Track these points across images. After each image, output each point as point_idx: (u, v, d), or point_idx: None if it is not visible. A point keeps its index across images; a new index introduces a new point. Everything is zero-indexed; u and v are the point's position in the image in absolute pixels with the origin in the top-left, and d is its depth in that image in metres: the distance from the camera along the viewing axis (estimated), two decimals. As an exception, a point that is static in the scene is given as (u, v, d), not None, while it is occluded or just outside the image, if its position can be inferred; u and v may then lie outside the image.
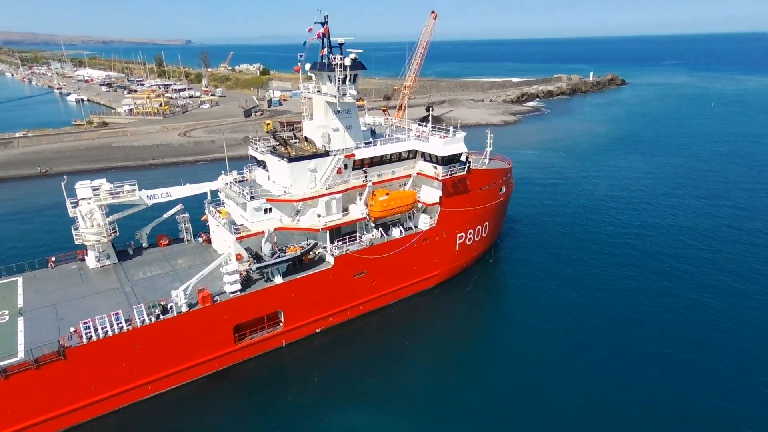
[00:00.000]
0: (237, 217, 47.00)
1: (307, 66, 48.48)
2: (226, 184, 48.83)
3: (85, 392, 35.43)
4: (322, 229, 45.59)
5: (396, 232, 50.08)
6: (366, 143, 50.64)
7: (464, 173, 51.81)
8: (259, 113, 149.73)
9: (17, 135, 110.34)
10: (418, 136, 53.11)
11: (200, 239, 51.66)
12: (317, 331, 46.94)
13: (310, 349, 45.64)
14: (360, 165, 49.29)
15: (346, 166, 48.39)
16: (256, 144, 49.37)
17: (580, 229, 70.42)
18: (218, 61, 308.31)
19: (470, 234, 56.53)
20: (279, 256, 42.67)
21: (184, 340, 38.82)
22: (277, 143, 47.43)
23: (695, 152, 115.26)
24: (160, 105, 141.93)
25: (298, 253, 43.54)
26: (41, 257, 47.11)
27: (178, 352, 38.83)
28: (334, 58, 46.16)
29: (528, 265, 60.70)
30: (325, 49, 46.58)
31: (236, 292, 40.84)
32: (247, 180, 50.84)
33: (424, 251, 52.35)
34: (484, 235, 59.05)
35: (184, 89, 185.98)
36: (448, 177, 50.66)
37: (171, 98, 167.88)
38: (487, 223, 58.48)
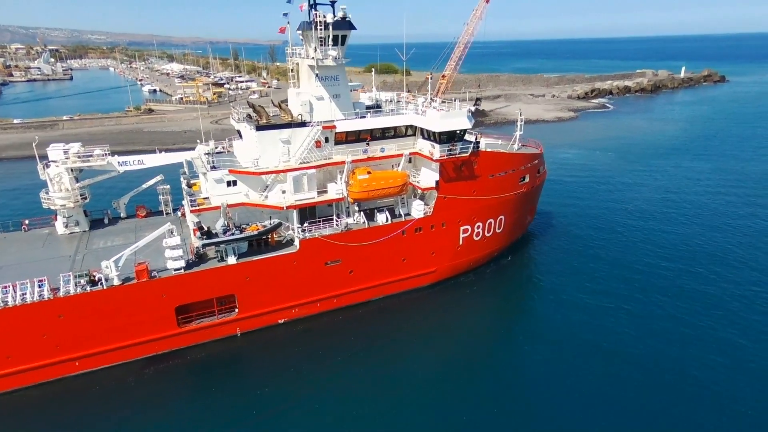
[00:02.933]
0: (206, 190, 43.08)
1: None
2: (203, 154, 45.04)
3: (1, 361, 33.00)
4: (287, 207, 40.30)
5: (381, 218, 43.52)
6: (361, 117, 44.54)
7: (467, 155, 43.94)
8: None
9: (64, 118, 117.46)
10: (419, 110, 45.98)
11: (179, 213, 48.56)
12: (280, 322, 41.82)
13: (269, 341, 40.67)
14: (344, 139, 43.31)
15: (327, 140, 42.66)
16: (235, 112, 45.14)
17: (616, 239, 58.22)
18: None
19: (478, 228, 48.42)
20: (233, 234, 38.01)
21: (116, 317, 35.35)
22: (254, 111, 42.73)
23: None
24: (213, 94, 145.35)
25: (255, 233, 38.61)
26: (16, 220, 46.30)
27: (109, 329, 35.46)
28: (317, 15, 40.58)
29: (551, 272, 51.32)
30: (305, 4, 41.02)
31: (180, 269, 36.77)
32: (226, 152, 46.81)
33: (417, 243, 45.29)
34: (498, 231, 50.56)
35: (244, 81, 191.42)
36: (445, 157, 43.17)
37: (229, 89, 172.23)
38: (502, 216, 49.95)
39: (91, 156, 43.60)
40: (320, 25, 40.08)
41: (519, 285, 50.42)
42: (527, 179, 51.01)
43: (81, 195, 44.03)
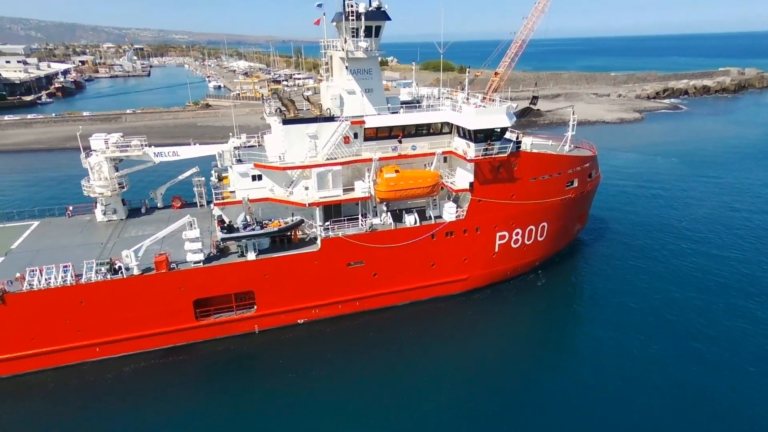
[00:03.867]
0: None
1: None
2: (234, 148, 44.81)
3: (25, 342, 34.10)
4: (310, 204, 38.94)
5: (410, 220, 41.19)
6: (393, 113, 42.44)
7: (506, 155, 40.55)
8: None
9: (128, 112, 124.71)
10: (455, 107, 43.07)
11: (212, 205, 48.72)
12: (300, 322, 40.66)
13: (288, 341, 39.67)
14: (375, 135, 41.38)
15: (356, 135, 40.91)
16: (267, 106, 44.47)
17: (669, 257, 51.72)
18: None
19: (517, 235, 44.83)
20: (254, 230, 37.22)
21: (136, 306, 35.59)
22: (282, 105, 41.79)
23: None
24: (269, 90, 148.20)
25: (275, 229, 37.59)
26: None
27: (128, 318, 35.79)
28: (349, 5, 38.86)
29: (597, 287, 46.80)
30: (341, -8, 39.34)
31: (199, 262, 36.46)
32: (258, 146, 46.29)
33: (448, 248, 42.54)
34: (540, 239, 46.65)
35: (302, 78, 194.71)
36: (481, 157, 40.06)
37: (286, 85, 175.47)
38: (545, 223, 46.01)
39: (128, 146, 44.58)
40: (352, 15, 38.31)
41: (561, 299, 46.20)
42: (575, 184, 46.62)
43: (119, 184, 45.13)
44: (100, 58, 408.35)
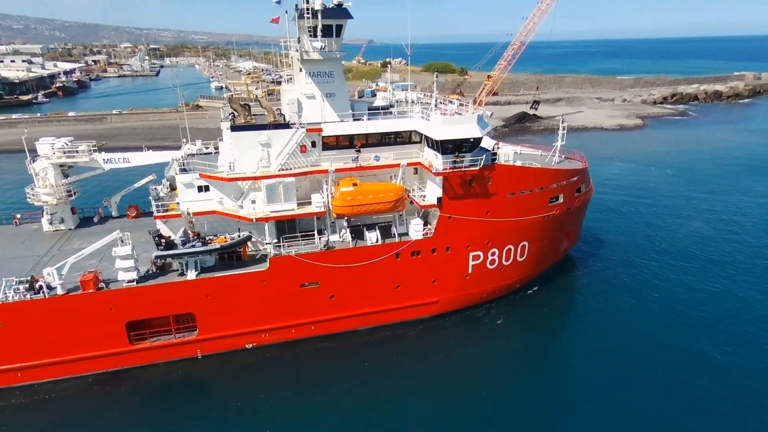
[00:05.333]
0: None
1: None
2: (187, 155, 41.68)
3: (-64, 367, 31.14)
4: (257, 220, 35.49)
5: (371, 238, 37.54)
6: (356, 120, 38.90)
7: (477, 168, 36.72)
8: None
9: (114, 112, 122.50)
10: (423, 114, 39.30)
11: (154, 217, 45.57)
12: (248, 346, 37.21)
13: (233, 367, 36.22)
14: (335, 144, 37.86)
15: (313, 144, 37.43)
16: (222, 110, 41.25)
17: (662, 279, 47.24)
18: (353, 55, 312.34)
19: (493, 255, 40.93)
20: (194, 246, 33.88)
21: (61, 329, 32.44)
22: (232, 110, 38.45)
23: None
24: (263, 91, 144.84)
25: (217, 246, 34.20)
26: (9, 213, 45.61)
27: (54, 341, 32.64)
28: (306, 0, 35.46)
29: (584, 310, 42.91)
30: (296, -12, 36.01)
31: (133, 281, 33.20)
32: (214, 153, 43.05)
33: (414, 269, 38.81)
34: (520, 259, 42.68)
35: None
36: (449, 170, 36.30)
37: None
38: (525, 242, 42.04)
39: (75, 152, 41.65)
40: (308, 13, 34.88)
41: (543, 324, 42.11)
42: (561, 199, 42.57)
43: (68, 191, 42.28)
44: (114, 57, 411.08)
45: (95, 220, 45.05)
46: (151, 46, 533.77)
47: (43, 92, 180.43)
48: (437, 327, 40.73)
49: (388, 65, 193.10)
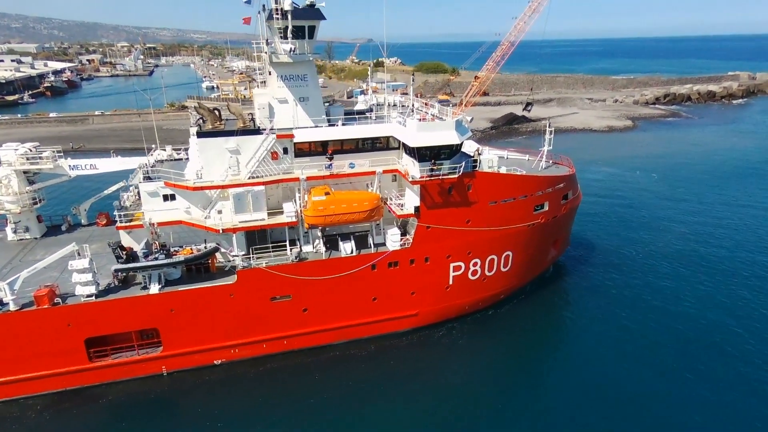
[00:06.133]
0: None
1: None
2: (156, 161, 39.92)
3: None
4: (224, 230, 33.83)
5: (346, 248, 35.92)
6: (331, 125, 37.26)
7: (456, 176, 35.13)
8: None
9: (96, 113, 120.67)
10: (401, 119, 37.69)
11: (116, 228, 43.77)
12: (216, 362, 35.55)
13: (202, 383, 34.63)
14: (308, 150, 36.24)
15: (285, 151, 35.80)
16: (191, 115, 39.57)
17: (654, 283, 46.16)
18: (346, 54, 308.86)
19: (475, 265, 39.38)
20: (156, 258, 32.21)
21: (14, 346, 30.77)
22: (199, 115, 36.77)
23: None
24: (250, 91, 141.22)
25: (181, 258, 32.52)
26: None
27: (6, 359, 30.97)
28: (276, 0, 33.81)
29: (571, 320, 41.45)
30: (265, -13, 34.32)
31: (91, 296, 31.51)
32: (185, 160, 41.30)
33: (392, 280, 37.24)
34: (504, 270, 41.14)
35: None
36: (426, 178, 34.71)
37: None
38: (508, 252, 40.50)
39: (39, 158, 39.88)
40: (277, 14, 33.24)
41: (529, 336, 40.53)
42: (546, 207, 41.05)
43: (33, 199, 40.50)
44: (110, 57, 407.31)
45: (63, 228, 43.27)
46: (148, 45, 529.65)
47: (29, 92, 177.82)
48: (417, 340, 39.19)
49: (381, 65, 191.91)
